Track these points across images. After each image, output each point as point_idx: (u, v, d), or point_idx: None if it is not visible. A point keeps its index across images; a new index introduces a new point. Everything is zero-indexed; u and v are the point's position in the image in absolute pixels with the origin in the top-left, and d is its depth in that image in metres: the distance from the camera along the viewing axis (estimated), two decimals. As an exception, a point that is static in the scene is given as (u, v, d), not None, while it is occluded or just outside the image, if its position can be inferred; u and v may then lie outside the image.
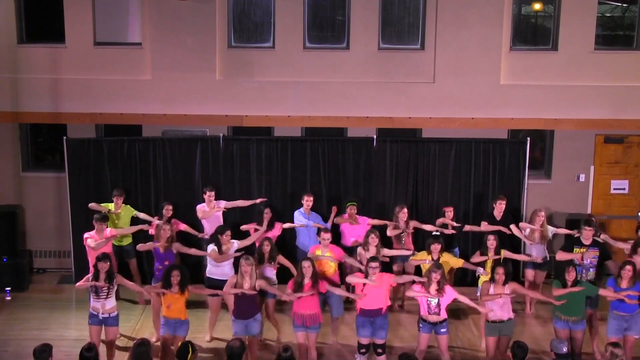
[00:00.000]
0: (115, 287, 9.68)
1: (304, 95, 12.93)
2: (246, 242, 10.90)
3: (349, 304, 11.04)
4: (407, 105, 12.98)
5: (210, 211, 11.82)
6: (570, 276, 9.55)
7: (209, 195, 11.85)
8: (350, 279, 9.71)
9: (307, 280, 9.50)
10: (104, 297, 9.53)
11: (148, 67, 12.91)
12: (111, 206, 12.01)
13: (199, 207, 11.97)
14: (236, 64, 13.01)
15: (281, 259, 10.58)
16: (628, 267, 9.58)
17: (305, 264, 9.53)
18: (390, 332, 9.86)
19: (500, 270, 9.52)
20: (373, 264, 9.41)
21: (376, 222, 11.69)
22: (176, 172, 12.76)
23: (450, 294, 9.46)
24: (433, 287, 9.39)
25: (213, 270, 10.57)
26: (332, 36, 13.30)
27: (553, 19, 13.08)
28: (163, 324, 9.63)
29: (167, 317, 9.58)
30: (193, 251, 10.89)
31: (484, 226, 11.74)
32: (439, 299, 9.37)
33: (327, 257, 10.42)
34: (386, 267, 10.94)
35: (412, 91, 12.95)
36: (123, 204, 12.06)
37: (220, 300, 10.60)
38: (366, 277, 9.44)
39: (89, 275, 9.65)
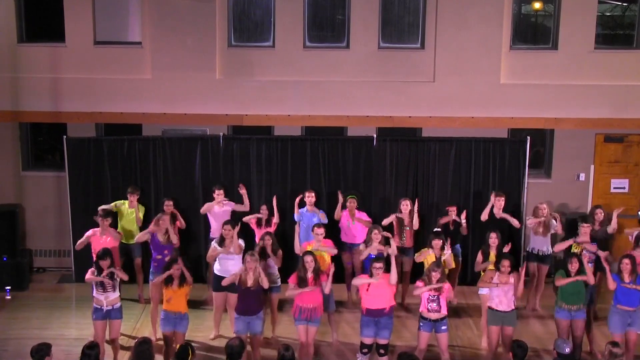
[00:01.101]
0: (118, 280, 9.70)
1: (304, 95, 12.94)
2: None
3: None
4: (407, 105, 12.98)
5: (214, 207, 11.81)
6: (574, 267, 9.62)
7: (218, 194, 11.83)
8: (355, 281, 9.73)
9: (309, 275, 9.52)
10: (109, 290, 9.57)
11: (148, 66, 12.91)
12: (126, 204, 11.96)
13: (207, 205, 11.97)
14: (236, 63, 13.02)
15: (279, 255, 10.63)
16: (625, 260, 9.62)
17: (308, 259, 9.55)
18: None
19: (505, 263, 9.61)
20: (377, 264, 9.37)
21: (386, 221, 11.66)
22: (176, 171, 12.76)
23: (447, 289, 9.51)
24: (434, 285, 9.42)
25: (221, 267, 10.56)
26: (332, 35, 13.31)
27: (553, 18, 13.08)
28: (162, 318, 9.61)
29: (167, 311, 9.56)
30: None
31: (485, 215, 11.78)
32: (438, 297, 9.40)
33: (328, 249, 10.46)
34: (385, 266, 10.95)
35: (412, 90, 12.96)
36: (138, 203, 12.04)
37: (224, 297, 10.60)
38: (370, 277, 9.42)
39: (93, 270, 9.64)
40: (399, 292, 11.88)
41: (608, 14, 13.56)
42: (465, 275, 12.64)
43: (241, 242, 10.61)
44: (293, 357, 8.31)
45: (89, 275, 9.64)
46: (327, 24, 13.36)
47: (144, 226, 11.95)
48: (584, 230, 10.62)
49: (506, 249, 10.67)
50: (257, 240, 11.23)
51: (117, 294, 9.69)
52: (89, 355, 8.12)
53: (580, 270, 9.69)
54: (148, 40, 12.93)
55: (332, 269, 9.83)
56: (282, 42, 13.01)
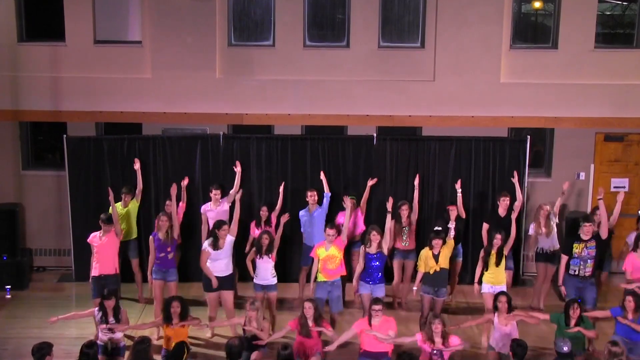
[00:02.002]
0: (126, 318, 9.64)
1: (304, 94, 12.94)
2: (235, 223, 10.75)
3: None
4: (407, 104, 12.98)
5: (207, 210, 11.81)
6: (575, 313, 9.44)
7: (215, 193, 11.80)
8: (355, 328, 9.46)
9: (310, 323, 9.42)
10: (112, 331, 9.46)
11: (148, 65, 12.92)
12: (118, 205, 11.94)
13: (203, 207, 11.92)
14: (236, 62, 13.02)
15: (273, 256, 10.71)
16: (629, 297, 9.46)
17: (307, 305, 9.45)
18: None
19: (503, 299, 9.53)
20: (376, 307, 9.21)
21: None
22: (176, 170, 12.74)
23: (455, 342, 9.22)
24: (437, 340, 9.16)
25: (210, 265, 10.55)
26: (332, 34, 13.31)
27: (553, 17, 13.09)
28: (163, 355, 9.48)
29: (168, 349, 9.41)
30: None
31: (484, 231, 11.75)
32: (442, 352, 9.18)
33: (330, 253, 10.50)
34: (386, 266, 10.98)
35: (412, 89, 12.96)
36: (132, 200, 12.04)
37: (217, 297, 10.60)
38: (369, 319, 9.30)
39: (96, 310, 9.55)
40: (398, 291, 11.93)
41: (608, 13, 13.56)
42: (466, 275, 12.64)
43: (229, 238, 10.59)
44: (291, 355, 8.35)
45: (97, 320, 9.50)
46: (327, 23, 13.36)
47: (138, 222, 12.16)
48: (587, 229, 10.56)
49: (506, 251, 10.72)
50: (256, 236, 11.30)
51: (120, 334, 9.58)
52: (87, 354, 8.15)
53: (582, 319, 9.52)
54: (148, 39, 12.94)
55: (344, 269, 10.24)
56: (282, 41, 13.01)
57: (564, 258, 10.62)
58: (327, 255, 10.49)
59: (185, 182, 11.96)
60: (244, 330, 9.69)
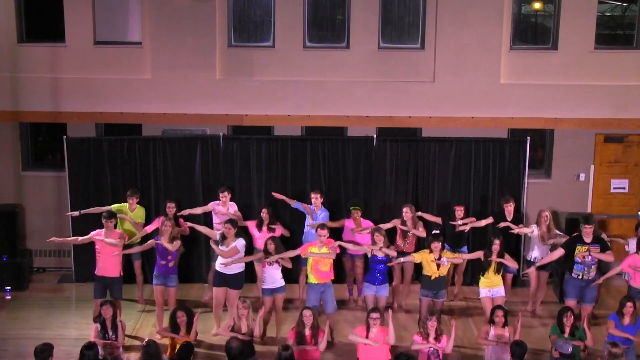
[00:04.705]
0: (122, 333, 9.59)
1: (304, 95, 12.94)
2: (251, 258, 10.92)
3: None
4: (407, 105, 12.98)
5: (210, 207, 11.84)
6: (569, 321, 9.39)
7: (223, 196, 11.80)
8: (352, 337, 9.36)
9: (307, 331, 9.38)
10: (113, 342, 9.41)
11: (148, 66, 12.91)
12: (125, 206, 11.93)
13: (212, 203, 11.91)
14: (236, 63, 13.02)
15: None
16: (629, 303, 9.50)
17: (307, 313, 9.40)
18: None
19: (499, 313, 9.48)
20: (374, 315, 9.19)
21: (387, 226, 11.66)
22: (176, 171, 12.76)
23: (444, 343, 9.27)
24: (432, 336, 9.25)
25: (219, 262, 10.58)
26: (332, 35, 13.31)
27: (553, 18, 13.09)
28: None
29: (173, 359, 9.37)
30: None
31: (487, 220, 11.75)
32: (437, 351, 9.23)
33: (324, 255, 10.40)
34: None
35: (412, 90, 12.96)
36: (138, 205, 11.99)
37: (224, 293, 10.62)
38: (367, 328, 9.24)
39: (97, 325, 9.48)
40: (398, 293, 11.93)
41: (608, 14, 13.56)
42: (465, 275, 12.64)
43: (242, 241, 10.62)
44: (292, 356, 8.35)
45: (94, 338, 9.31)
46: (327, 24, 13.36)
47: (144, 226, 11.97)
48: (587, 231, 10.45)
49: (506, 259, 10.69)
50: (255, 243, 11.30)
51: (120, 350, 9.54)
52: (87, 356, 8.16)
53: (576, 327, 9.47)
54: (148, 40, 12.94)
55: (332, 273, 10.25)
56: (282, 42, 13.01)
57: (560, 251, 10.60)
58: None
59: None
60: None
